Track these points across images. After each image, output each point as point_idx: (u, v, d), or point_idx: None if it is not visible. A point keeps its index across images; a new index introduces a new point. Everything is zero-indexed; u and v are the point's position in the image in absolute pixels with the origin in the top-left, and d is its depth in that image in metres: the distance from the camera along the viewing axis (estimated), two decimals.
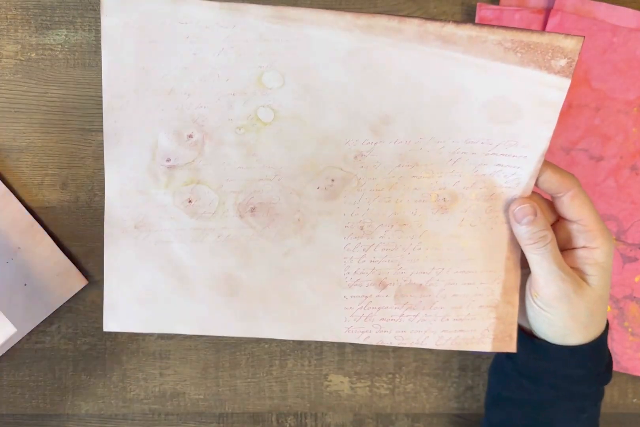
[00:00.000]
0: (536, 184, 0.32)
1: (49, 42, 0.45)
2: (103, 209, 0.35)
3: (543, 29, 0.44)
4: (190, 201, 0.34)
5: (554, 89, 0.30)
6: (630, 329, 0.46)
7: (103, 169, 0.45)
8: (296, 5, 0.45)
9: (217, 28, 0.31)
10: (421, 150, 0.32)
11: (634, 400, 0.47)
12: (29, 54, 0.45)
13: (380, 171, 0.33)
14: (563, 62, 0.30)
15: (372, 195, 0.33)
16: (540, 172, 0.32)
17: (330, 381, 0.46)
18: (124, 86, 0.32)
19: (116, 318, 0.35)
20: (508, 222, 0.33)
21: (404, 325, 0.34)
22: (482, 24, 0.30)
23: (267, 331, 0.35)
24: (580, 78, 0.45)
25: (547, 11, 0.44)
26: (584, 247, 0.33)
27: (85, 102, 0.45)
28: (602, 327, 0.34)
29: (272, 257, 0.34)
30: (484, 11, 0.45)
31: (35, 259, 0.45)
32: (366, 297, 0.34)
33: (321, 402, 0.47)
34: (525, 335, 0.36)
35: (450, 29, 0.30)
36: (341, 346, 0.46)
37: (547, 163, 0.32)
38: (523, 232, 0.32)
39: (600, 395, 0.36)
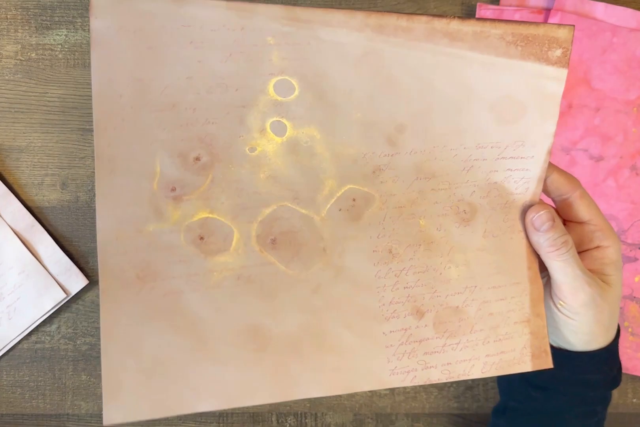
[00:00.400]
0: (543, 187, 0.32)
1: (49, 42, 0.45)
2: None
3: None
4: (201, 238, 0.29)
5: (553, 81, 0.30)
6: (630, 329, 0.46)
7: None
8: (296, 6, 0.45)
9: (224, 31, 0.28)
10: (436, 159, 0.31)
11: (634, 400, 0.47)
12: (29, 54, 0.45)
13: (399, 186, 0.31)
14: (559, 52, 0.30)
15: (395, 213, 0.31)
16: (547, 174, 0.32)
17: None
18: (119, 102, 0.28)
19: (120, 406, 0.28)
20: (524, 230, 0.32)
21: (448, 356, 0.31)
22: (484, 19, 0.30)
23: (304, 390, 0.30)
24: (580, 78, 0.45)
25: (547, 11, 0.44)
26: (597, 247, 0.32)
27: (85, 102, 0.45)
28: (616, 327, 0.34)
29: (300, 297, 0.30)
30: (484, 11, 0.45)
31: (35, 259, 0.45)
32: (405, 330, 0.31)
33: (321, 402, 0.47)
34: None
35: (456, 25, 0.29)
36: None
37: (552, 165, 0.32)
38: (543, 239, 0.31)
39: (609, 398, 0.36)
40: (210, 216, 0.29)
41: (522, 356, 0.32)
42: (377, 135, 0.30)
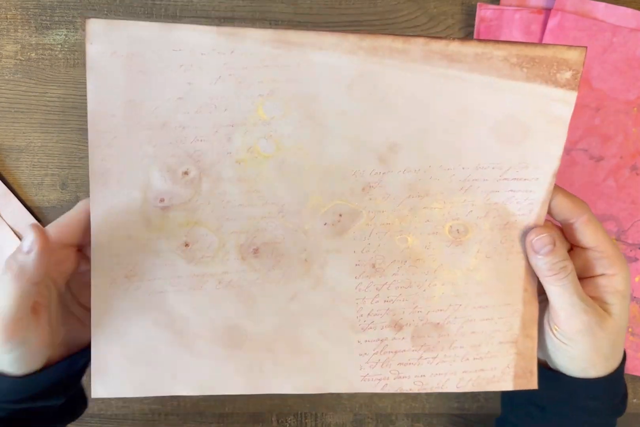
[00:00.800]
0: (548, 210, 0.31)
1: (48, 42, 0.45)
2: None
3: (543, 28, 0.44)
4: (187, 245, 0.31)
5: (561, 103, 0.30)
6: (630, 329, 0.46)
7: None
8: (296, 5, 0.45)
9: (214, 54, 0.29)
10: (431, 179, 0.31)
11: (634, 400, 0.47)
12: (28, 53, 0.45)
13: (390, 203, 0.31)
14: (568, 74, 0.29)
15: (382, 229, 0.31)
16: (552, 196, 0.31)
17: None
18: (112, 121, 0.29)
19: (105, 383, 0.31)
20: (524, 251, 0.31)
21: (423, 369, 0.32)
22: (486, 40, 0.29)
23: (275, 386, 0.32)
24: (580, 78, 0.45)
25: (547, 11, 0.44)
26: (602, 274, 0.31)
27: (84, 102, 0.45)
28: (621, 357, 0.33)
29: (278, 303, 0.32)
30: (484, 11, 0.45)
31: None
32: (381, 340, 0.32)
33: (321, 402, 0.47)
34: (539, 363, 0.33)
35: (455, 47, 0.29)
36: None
37: (557, 187, 0.31)
38: (542, 263, 0.30)
39: (612, 425, 0.35)
40: (196, 225, 0.31)
41: (503, 375, 0.32)
42: (368, 153, 0.31)
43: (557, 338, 0.32)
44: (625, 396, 0.34)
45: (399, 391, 0.32)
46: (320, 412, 0.47)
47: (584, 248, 0.32)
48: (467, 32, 0.46)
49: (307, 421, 0.47)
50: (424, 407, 0.47)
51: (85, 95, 0.45)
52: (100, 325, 0.31)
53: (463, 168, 0.31)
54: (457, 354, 0.32)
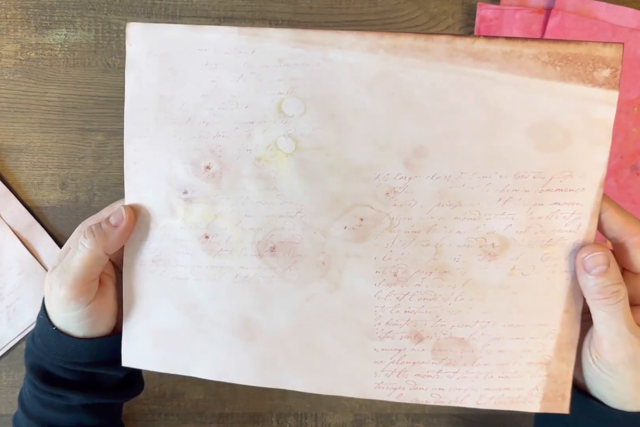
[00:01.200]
0: (597, 226, 0.29)
1: (48, 42, 0.45)
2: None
3: (544, 28, 0.44)
4: (207, 237, 0.32)
5: (602, 104, 0.28)
6: None
7: (102, 169, 0.45)
8: (296, 5, 0.45)
9: (236, 54, 0.30)
10: (463, 187, 0.29)
11: None
12: (28, 53, 0.45)
13: (417, 211, 0.30)
14: (606, 72, 0.27)
15: (407, 237, 0.30)
16: (602, 210, 0.28)
17: None
18: (145, 114, 0.31)
19: (134, 353, 0.34)
20: (569, 271, 0.29)
21: (441, 382, 0.31)
22: (514, 38, 0.28)
23: (288, 382, 0.32)
24: None
25: (548, 11, 0.44)
26: None
27: (84, 102, 0.45)
28: None
29: (292, 302, 0.32)
30: (484, 11, 0.45)
31: (34, 259, 0.45)
32: (399, 350, 0.31)
33: (321, 403, 0.47)
34: (578, 389, 0.31)
35: (481, 44, 0.28)
36: None
37: (609, 200, 0.29)
38: (592, 284, 0.28)
39: None
40: (216, 219, 0.32)
41: (529, 396, 0.31)
42: (392, 156, 0.30)
43: (597, 367, 0.29)
44: None
45: (414, 402, 0.31)
46: (320, 412, 0.47)
47: (635, 273, 0.29)
48: (467, 32, 0.46)
49: (307, 421, 0.47)
50: (424, 407, 0.47)
51: (85, 95, 0.45)
52: (131, 301, 0.33)
53: (500, 176, 0.29)
54: (480, 371, 0.31)
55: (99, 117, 0.45)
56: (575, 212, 0.29)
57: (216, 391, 0.46)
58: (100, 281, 0.33)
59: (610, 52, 0.27)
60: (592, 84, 0.28)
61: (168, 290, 0.33)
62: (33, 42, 0.45)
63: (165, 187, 0.32)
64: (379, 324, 0.31)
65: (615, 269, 0.28)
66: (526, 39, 0.28)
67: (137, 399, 0.46)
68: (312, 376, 0.32)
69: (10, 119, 0.45)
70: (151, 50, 0.31)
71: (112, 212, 0.32)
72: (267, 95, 0.30)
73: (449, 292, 0.30)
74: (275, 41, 0.30)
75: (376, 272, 0.31)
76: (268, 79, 0.30)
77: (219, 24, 0.45)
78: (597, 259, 0.28)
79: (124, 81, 0.31)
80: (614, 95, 0.28)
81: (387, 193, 0.30)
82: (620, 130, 0.45)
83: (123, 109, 0.31)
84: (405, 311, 0.31)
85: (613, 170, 0.45)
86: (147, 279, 0.33)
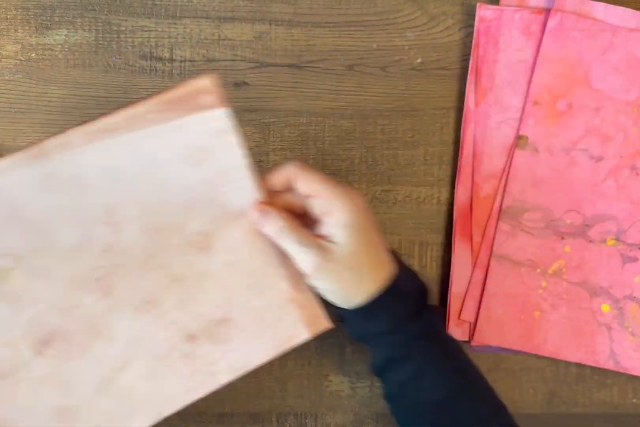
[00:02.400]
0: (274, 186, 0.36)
1: (49, 42, 0.45)
2: None
3: (543, 29, 0.45)
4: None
5: (217, 120, 0.34)
6: (630, 329, 0.46)
7: None
8: (296, 5, 0.45)
9: None
10: (157, 215, 0.34)
11: (634, 400, 0.47)
12: (29, 54, 0.45)
13: (129, 254, 0.34)
14: (208, 97, 0.33)
15: (141, 272, 0.34)
16: (261, 178, 0.35)
17: (331, 381, 0.46)
18: None
19: None
20: (258, 233, 0.36)
21: (229, 359, 0.36)
22: (131, 104, 0.33)
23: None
24: (580, 78, 0.45)
25: (547, 11, 0.45)
26: (323, 213, 0.35)
27: (85, 102, 0.45)
28: (381, 278, 0.35)
29: (95, 370, 0.34)
30: (484, 11, 0.45)
31: None
32: (186, 355, 0.35)
33: (321, 402, 0.47)
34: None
35: (106, 121, 0.33)
36: (341, 346, 0.46)
37: (259, 172, 0.35)
38: (265, 230, 0.35)
39: (433, 350, 0.37)
40: None
41: (295, 330, 0.36)
42: (91, 243, 0.33)
43: (312, 283, 0.35)
44: (422, 298, 0.38)
45: (219, 386, 0.36)
46: (320, 412, 0.47)
47: (308, 196, 0.35)
48: (467, 32, 0.46)
49: (307, 421, 0.47)
50: None
51: (86, 96, 0.45)
52: None
53: (176, 195, 0.35)
54: (249, 333, 0.36)
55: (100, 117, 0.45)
56: (238, 188, 0.35)
57: (216, 391, 0.46)
58: None
59: (204, 85, 0.33)
60: (202, 109, 0.33)
61: None
62: (33, 42, 0.45)
63: None
64: (166, 347, 0.35)
65: (271, 211, 0.35)
66: (135, 103, 0.33)
67: None
68: (140, 414, 0.35)
69: (10, 120, 0.45)
70: None
71: None
72: None
73: (193, 291, 0.35)
74: None
75: (135, 309, 0.35)
76: None
77: (219, 25, 0.45)
78: (257, 212, 0.35)
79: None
80: (222, 111, 0.34)
81: (104, 251, 0.34)
82: (620, 130, 0.45)
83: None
84: (171, 323, 0.35)
85: (613, 170, 0.45)
86: None
